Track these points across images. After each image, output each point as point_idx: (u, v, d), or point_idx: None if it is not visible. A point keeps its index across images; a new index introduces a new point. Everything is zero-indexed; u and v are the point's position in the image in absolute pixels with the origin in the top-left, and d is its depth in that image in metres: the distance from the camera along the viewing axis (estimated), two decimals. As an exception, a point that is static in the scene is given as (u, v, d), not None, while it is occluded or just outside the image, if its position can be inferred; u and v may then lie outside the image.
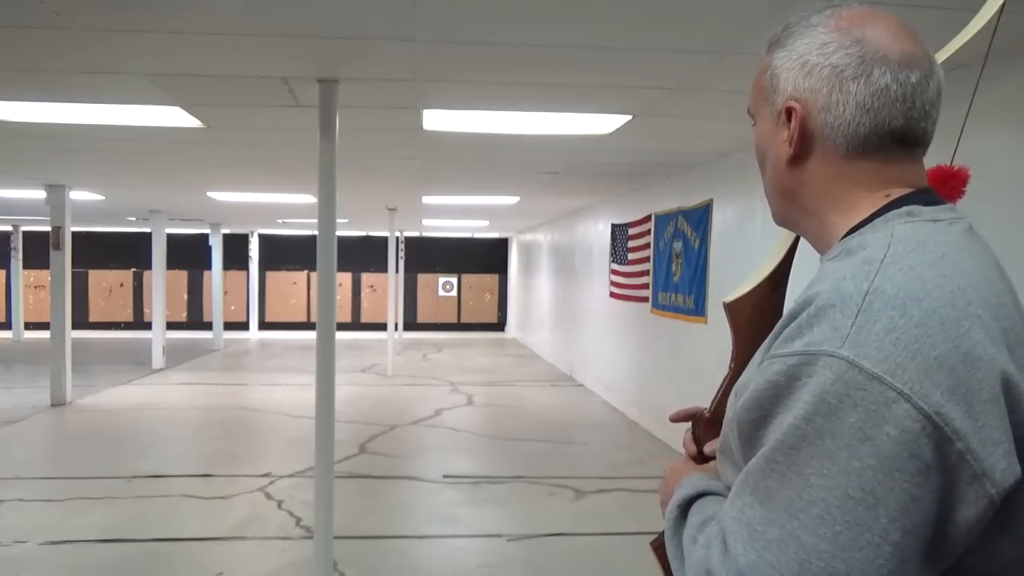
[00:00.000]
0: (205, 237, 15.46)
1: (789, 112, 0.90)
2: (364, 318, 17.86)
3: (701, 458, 1.09)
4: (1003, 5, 1.04)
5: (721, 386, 1.11)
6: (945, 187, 1.04)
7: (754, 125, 0.99)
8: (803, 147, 0.90)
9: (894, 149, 0.87)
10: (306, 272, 17.70)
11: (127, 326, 17.42)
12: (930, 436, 0.71)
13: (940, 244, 0.81)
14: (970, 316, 0.76)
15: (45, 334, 8.91)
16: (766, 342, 0.85)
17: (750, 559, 0.74)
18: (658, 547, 1.08)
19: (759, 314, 1.09)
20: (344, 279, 17.51)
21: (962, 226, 0.86)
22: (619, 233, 8.36)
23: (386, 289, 12.22)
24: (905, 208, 0.86)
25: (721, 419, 1.08)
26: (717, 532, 0.81)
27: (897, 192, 0.88)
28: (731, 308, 1.09)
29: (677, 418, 1.15)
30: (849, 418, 0.71)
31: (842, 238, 0.88)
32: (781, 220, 1.01)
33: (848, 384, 0.72)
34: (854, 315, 0.75)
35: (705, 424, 1.11)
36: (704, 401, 1.13)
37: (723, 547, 0.78)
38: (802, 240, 1.10)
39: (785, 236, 1.11)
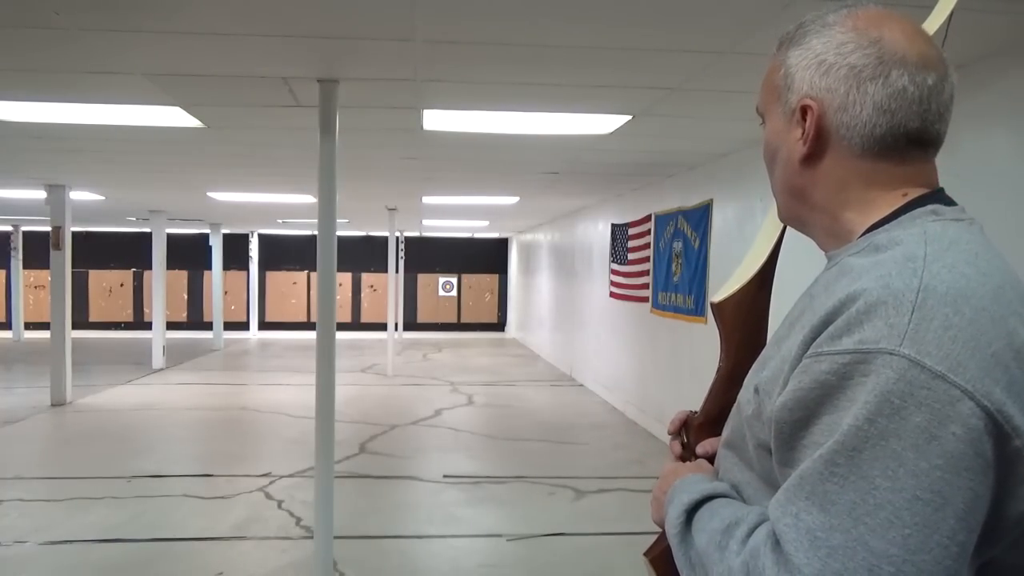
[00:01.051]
0: (205, 237, 15.46)
1: (804, 110, 0.89)
2: (364, 318, 17.86)
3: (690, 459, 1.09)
4: (954, 8, 1.04)
5: (712, 389, 1.10)
6: None
7: (762, 124, 0.99)
8: (817, 146, 0.90)
9: (910, 150, 0.87)
10: (306, 272, 17.70)
11: (127, 326, 17.42)
12: (991, 433, 0.71)
13: (970, 243, 0.82)
14: (1014, 313, 0.76)
15: (45, 334, 8.91)
16: (799, 338, 0.81)
17: (815, 568, 0.71)
18: (655, 558, 1.05)
19: (747, 313, 1.09)
20: (344, 279, 17.51)
21: (979, 226, 0.87)
22: (619, 233, 8.36)
23: (386, 289, 12.22)
24: (930, 207, 0.86)
25: (713, 422, 1.07)
26: (764, 539, 0.77)
27: (914, 191, 0.88)
28: (719, 308, 1.09)
29: (675, 429, 1.13)
30: (914, 418, 0.70)
31: (863, 234, 0.88)
32: (788, 218, 1.00)
33: (911, 383, 0.71)
34: (909, 312, 0.73)
35: (697, 428, 1.10)
36: (700, 404, 1.13)
37: (777, 556, 0.75)
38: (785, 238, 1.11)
39: (768, 234, 1.10)
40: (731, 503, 0.90)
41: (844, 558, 0.71)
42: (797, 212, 0.96)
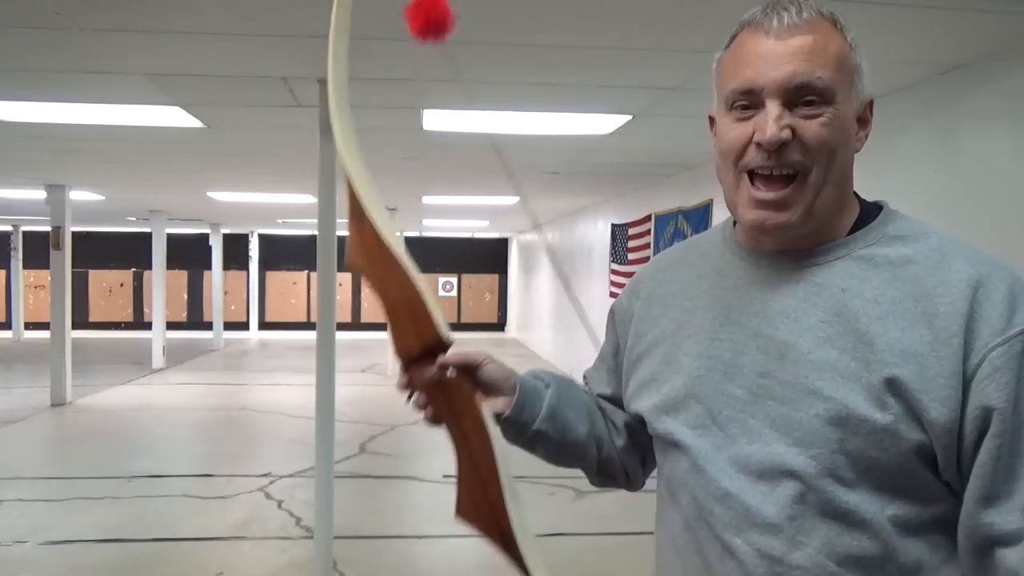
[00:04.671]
0: (205, 237, 15.45)
1: (871, 105, 0.94)
2: (364, 318, 17.84)
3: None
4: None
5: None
6: (438, 13, 0.96)
7: (818, 102, 0.89)
8: None
9: None
10: (306, 272, 17.69)
11: (127, 326, 17.41)
12: None
13: None
14: None
15: (45, 334, 8.91)
16: (949, 328, 0.84)
17: None
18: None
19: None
20: (344, 279, 17.48)
21: None
22: (619, 233, 8.36)
23: (386, 289, 12.18)
24: (878, 201, 0.98)
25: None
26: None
27: None
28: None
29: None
30: None
31: (867, 225, 0.94)
32: (819, 208, 0.92)
33: None
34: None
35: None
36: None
37: None
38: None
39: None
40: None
41: None
42: (832, 201, 0.93)
